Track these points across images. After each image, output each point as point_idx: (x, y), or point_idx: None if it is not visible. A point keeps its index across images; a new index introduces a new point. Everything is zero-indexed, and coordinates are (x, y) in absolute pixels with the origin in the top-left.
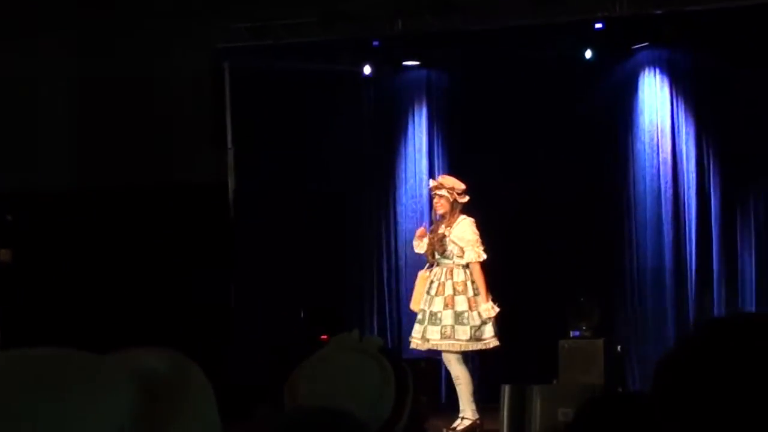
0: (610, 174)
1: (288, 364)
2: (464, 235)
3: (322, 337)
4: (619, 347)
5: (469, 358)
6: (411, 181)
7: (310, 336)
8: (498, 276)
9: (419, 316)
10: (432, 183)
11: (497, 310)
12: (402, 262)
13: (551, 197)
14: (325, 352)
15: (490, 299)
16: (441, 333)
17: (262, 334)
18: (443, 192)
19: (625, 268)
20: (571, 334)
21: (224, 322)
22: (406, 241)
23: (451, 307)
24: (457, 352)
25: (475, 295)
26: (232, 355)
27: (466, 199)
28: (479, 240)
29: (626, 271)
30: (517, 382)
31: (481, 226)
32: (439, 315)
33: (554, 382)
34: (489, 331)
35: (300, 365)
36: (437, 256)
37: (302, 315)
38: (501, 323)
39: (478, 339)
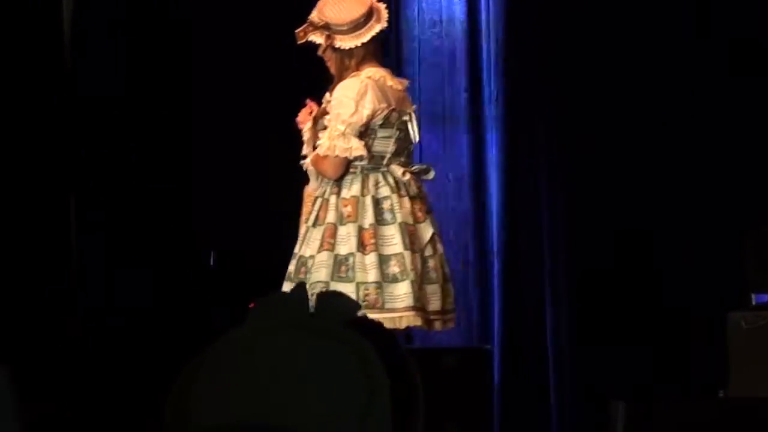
0: None
1: (174, 356)
2: (336, 107)
3: (252, 305)
4: None
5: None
6: None
7: (225, 300)
8: (600, 191)
9: (291, 267)
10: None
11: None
12: None
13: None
14: (243, 334)
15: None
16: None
17: (121, 293)
18: (315, 37)
19: None
20: (754, 299)
21: (60, 274)
22: None
23: (328, 247)
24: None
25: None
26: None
27: (361, 41)
28: (358, 109)
29: None
30: (639, 395)
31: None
32: (309, 263)
33: (720, 394)
34: (403, 288)
35: (193, 361)
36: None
37: (211, 260)
38: (599, 278)
39: (375, 306)
